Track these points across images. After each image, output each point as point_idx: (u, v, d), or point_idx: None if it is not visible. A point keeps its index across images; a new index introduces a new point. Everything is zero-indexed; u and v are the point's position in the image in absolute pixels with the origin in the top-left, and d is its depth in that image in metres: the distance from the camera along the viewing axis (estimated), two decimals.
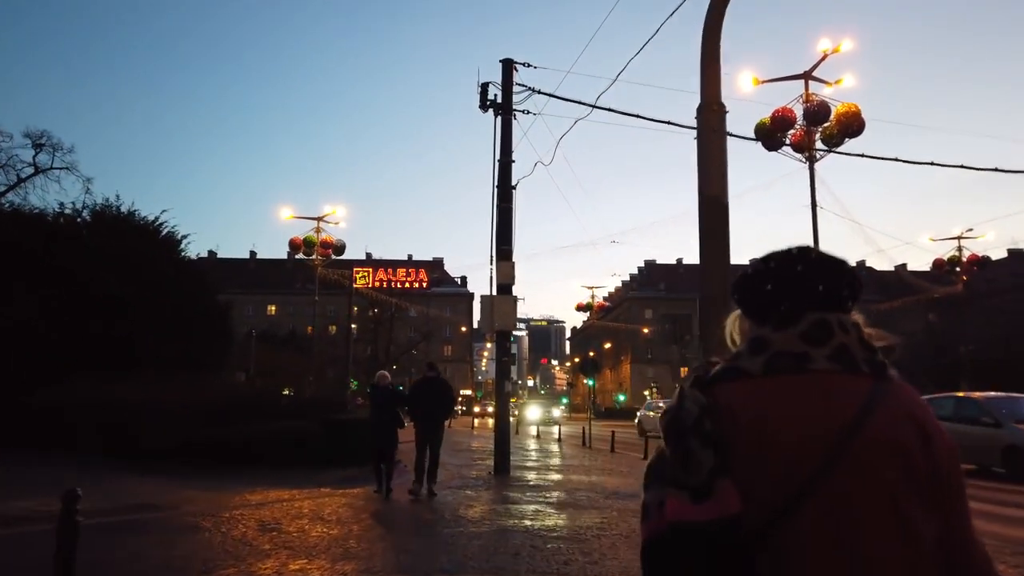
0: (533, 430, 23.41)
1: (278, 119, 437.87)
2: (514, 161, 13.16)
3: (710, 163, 6.75)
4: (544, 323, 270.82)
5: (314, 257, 43.63)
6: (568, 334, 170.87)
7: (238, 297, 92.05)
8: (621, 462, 16.00)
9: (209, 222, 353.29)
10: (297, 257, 46.16)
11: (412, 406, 10.01)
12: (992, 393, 13.63)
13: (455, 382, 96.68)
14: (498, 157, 13.11)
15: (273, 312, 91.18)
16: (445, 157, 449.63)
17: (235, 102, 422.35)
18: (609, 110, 13.33)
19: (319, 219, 43.11)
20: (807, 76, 31.73)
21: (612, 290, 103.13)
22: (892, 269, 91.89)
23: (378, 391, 10.11)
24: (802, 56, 29.21)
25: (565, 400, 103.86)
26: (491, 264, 12.82)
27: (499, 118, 13.21)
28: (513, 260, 12.72)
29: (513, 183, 13.00)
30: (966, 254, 44.08)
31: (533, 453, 18.45)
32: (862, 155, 15.47)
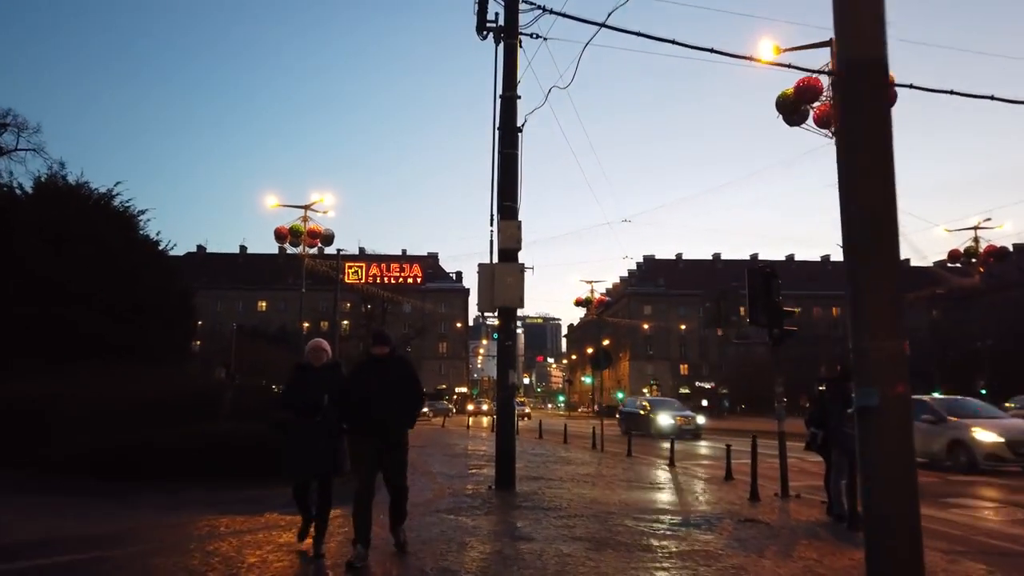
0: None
1: (269, 113, 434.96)
2: (519, 97, 10.52)
3: (857, 3, 4.13)
4: (539, 320, 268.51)
5: (301, 248, 41.19)
6: (564, 331, 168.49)
7: (228, 292, 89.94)
8: (644, 469, 13.41)
9: (199, 217, 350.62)
10: (288, 252, 43.78)
11: (349, 404, 5.60)
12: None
13: (450, 380, 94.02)
14: (500, 92, 10.45)
15: (264, 308, 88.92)
16: (441, 151, 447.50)
17: (226, 97, 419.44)
18: (637, 34, 10.65)
19: (306, 207, 40.53)
20: (833, 43, 29.11)
21: (611, 285, 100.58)
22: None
23: (309, 376, 5.79)
24: (828, 21, 26.66)
25: (562, 398, 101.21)
26: (491, 226, 10.21)
27: (501, 44, 10.56)
28: (520, 220, 10.09)
29: (519, 123, 10.37)
30: (983, 244, 41.98)
31: (539, 458, 15.83)
32: (951, 92, 12.85)
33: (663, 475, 12.56)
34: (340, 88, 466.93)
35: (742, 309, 16.03)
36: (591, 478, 11.77)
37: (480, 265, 9.95)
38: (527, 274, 9.90)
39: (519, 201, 10.12)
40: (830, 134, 31.09)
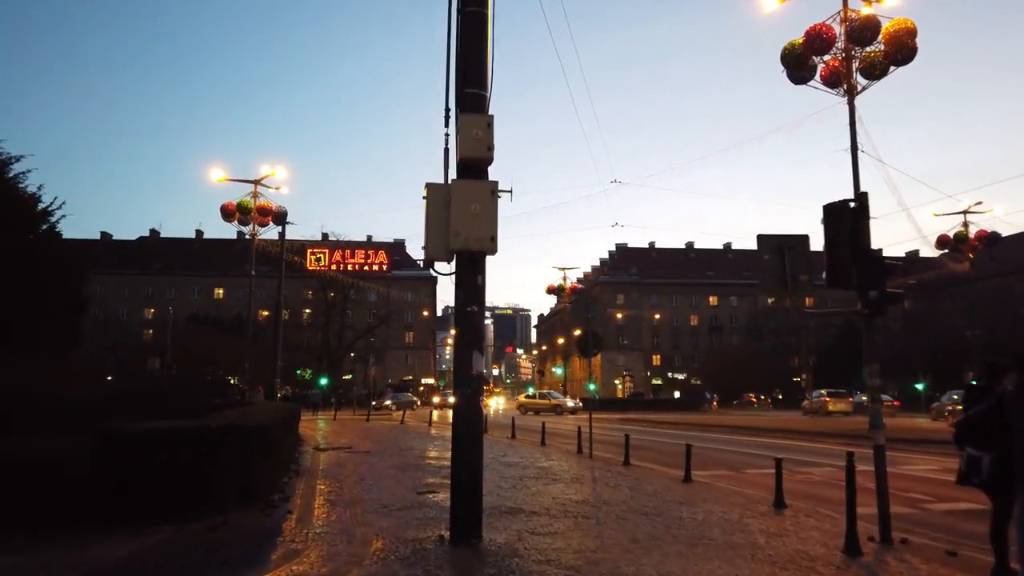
0: None
1: (229, 92, 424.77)
2: None
3: None
4: (509, 311, 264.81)
5: (251, 227, 37.35)
6: (535, 322, 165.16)
7: (183, 278, 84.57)
8: (654, 488, 9.90)
9: (153, 198, 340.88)
10: (247, 237, 39.92)
11: None
12: None
13: (416, 371, 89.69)
14: None
15: (221, 295, 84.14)
16: (408, 137, 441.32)
17: (181, 76, 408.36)
18: None
19: (256, 182, 36.72)
20: None
21: (582, 275, 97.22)
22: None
23: None
24: None
25: (532, 389, 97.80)
26: (446, 128, 6.54)
27: None
28: (491, 114, 6.44)
29: None
30: (973, 230, 39.51)
31: (513, 471, 12.26)
32: None
33: (686, 499, 9.06)
34: (308, 72, 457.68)
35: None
36: (592, 509, 8.21)
37: (428, 185, 6.26)
38: (502, 203, 6.24)
39: (489, 88, 6.46)
40: (842, 93, 27.38)
